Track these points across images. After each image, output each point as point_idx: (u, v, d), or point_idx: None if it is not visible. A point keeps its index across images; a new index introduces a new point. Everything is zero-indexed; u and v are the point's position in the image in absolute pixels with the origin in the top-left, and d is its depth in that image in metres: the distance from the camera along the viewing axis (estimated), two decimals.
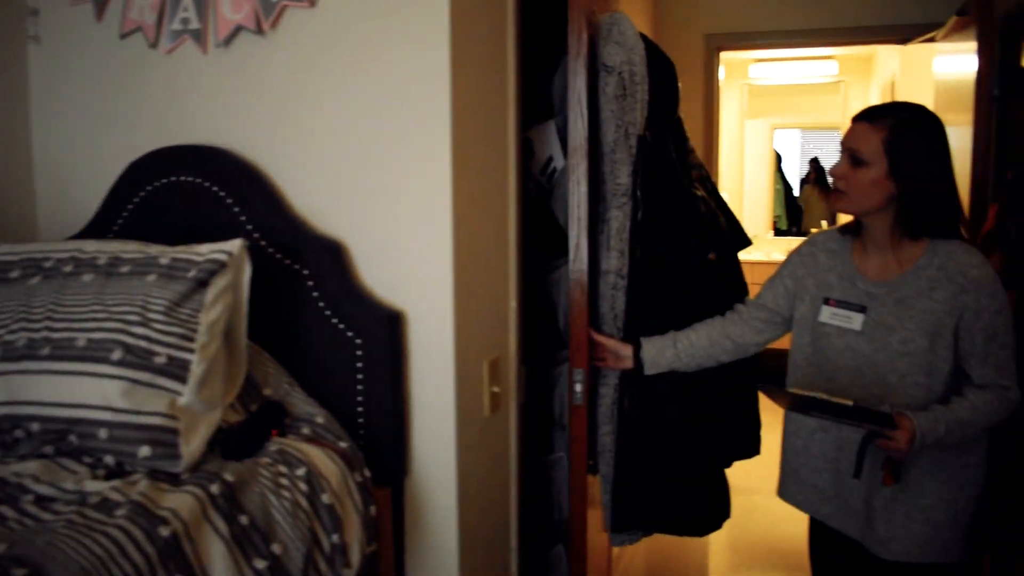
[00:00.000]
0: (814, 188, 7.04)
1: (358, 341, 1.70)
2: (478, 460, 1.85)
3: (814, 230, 6.90)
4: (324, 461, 1.53)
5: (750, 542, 3.69)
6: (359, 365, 1.71)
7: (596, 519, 2.34)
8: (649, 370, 2.12)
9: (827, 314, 1.88)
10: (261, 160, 1.81)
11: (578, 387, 2.09)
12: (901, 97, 5.00)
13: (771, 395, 1.85)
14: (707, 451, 2.27)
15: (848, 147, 1.81)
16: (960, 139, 3.14)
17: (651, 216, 2.18)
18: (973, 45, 2.95)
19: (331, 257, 1.72)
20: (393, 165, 1.71)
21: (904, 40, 3.73)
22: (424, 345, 1.72)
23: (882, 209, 1.79)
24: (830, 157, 7.05)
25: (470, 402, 1.80)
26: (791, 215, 7.21)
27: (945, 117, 3.42)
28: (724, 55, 4.67)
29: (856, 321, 1.83)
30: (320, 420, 1.64)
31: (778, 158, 7.19)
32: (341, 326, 1.71)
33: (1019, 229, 2.46)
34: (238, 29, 1.79)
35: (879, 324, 1.80)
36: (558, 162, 2.27)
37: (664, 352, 2.12)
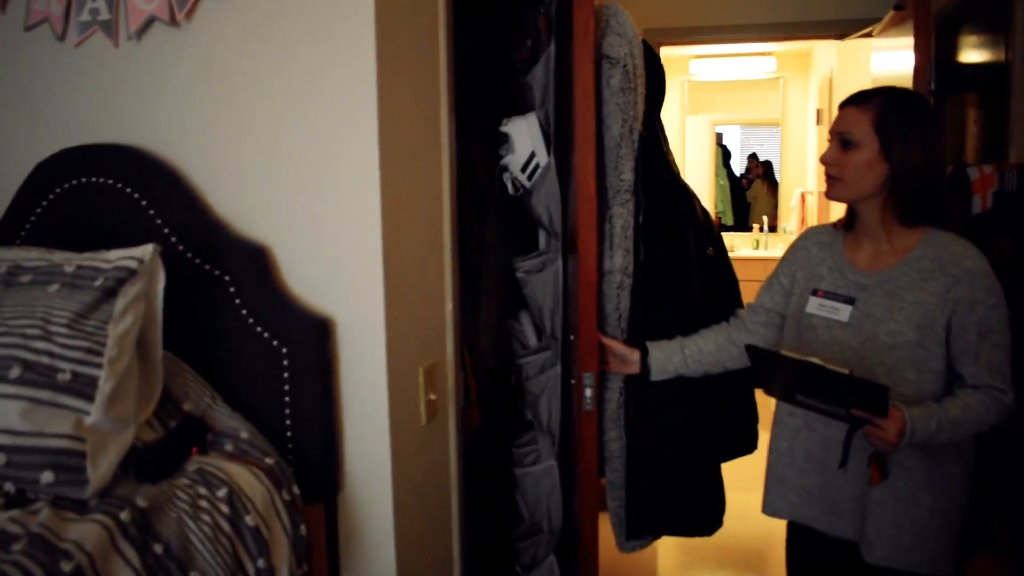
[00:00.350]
0: (763, 183, 7.08)
1: (284, 350, 1.60)
2: (415, 471, 1.77)
3: (755, 226, 6.99)
4: (248, 480, 1.44)
5: (699, 541, 3.65)
6: (286, 375, 1.61)
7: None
8: (656, 376, 2.09)
9: (814, 305, 1.84)
10: (179, 160, 1.70)
11: (588, 392, 2.04)
12: (838, 91, 5.03)
13: (764, 366, 1.79)
14: (710, 451, 2.26)
15: (837, 131, 1.78)
16: None
17: (652, 212, 2.14)
18: (910, 40, 2.95)
19: (254, 262, 1.62)
20: (319, 165, 1.62)
21: (841, 35, 3.74)
22: (355, 353, 1.64)
23: (876, 194, 1.75)
24: (770, 153, 7.10)
25: (405, 411, 1.72)
26: (737, 210, 7.25)
27: None
28: (664, 51, 4.63)
29: (843, 313, 1.79)
30: (244, 435, 1.54)
31: (726, 154, 7.22)
32: (266, 335, 1.61)
33: (961, 223, 2.46)
34: (151, 20, 1.68)
35: (867, 316, 1.75)
36: (541, 158, 2.20)
37: (672, 358, 2.07)
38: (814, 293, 1.85)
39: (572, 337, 2.12)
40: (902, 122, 1.72)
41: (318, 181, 1.61)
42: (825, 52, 5.57)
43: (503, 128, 2.20)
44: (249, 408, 1.61)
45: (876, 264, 1.79)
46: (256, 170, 1.65)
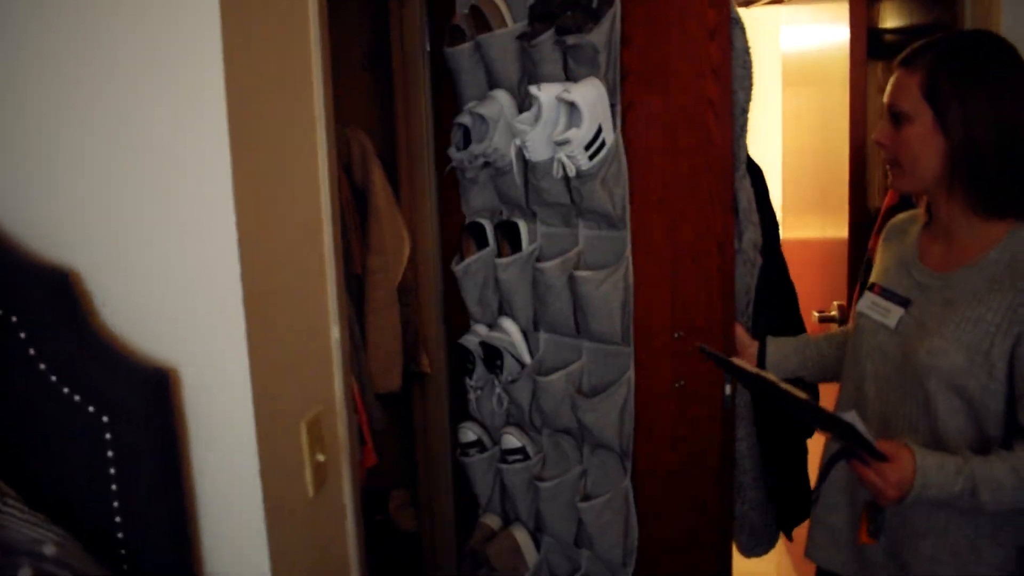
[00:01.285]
0: None
1: (105, 418, 1.13)
2: (304, 558, 1.33)
3: None
4: None
5: None
6: (110, 454, 1.13)
7: None
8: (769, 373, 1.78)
9: (867, 302, 1.52)
10: None
11: (728, 389, 1.93)
12: None
13: (717, 363, 1.56)
14: (806, 432, 2.19)
15: (888, 103, 1.43)
16: (821, 111, 2.89)
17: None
18: (830, 7, 2.69)
19: (55, 294, 1.13)
20: (145, 155, 1.14)
21: (746, 3, 3.47)
22: (209, 414, 1.18)
23: (943, 177, 1.40)
24: None
25: (285, 484, 1.27)
26: None
27: (799, 89, 3.19)
28: None
29: (892, 316, 1.45)
30: (50, 550, 1.05)
31: None
32: (76, 398, 1.13)
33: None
34: None
35: (916, 325, 1.41)
36: (607, 135, 1.87)
37: (789, 358, 1.84)
38: (871, 288, 1.53)
39: (676, 335, 1.94)
40: (959, 80, 1.35)
41: (148, 182, 1.14)
42: None
43: (566, 96, 1.84)
44: (60, 505, 1.13)
45: (946, 264, 1.44)
46: (55, 165, 1.16)
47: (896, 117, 1.43)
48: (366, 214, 2.33)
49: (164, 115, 1.12)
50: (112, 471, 1.14)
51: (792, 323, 2.09)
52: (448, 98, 2.31)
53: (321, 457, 1.37)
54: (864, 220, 2.54)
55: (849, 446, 1.33)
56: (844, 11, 2.60)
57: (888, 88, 1.46)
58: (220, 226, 1.13)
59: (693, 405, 1.95)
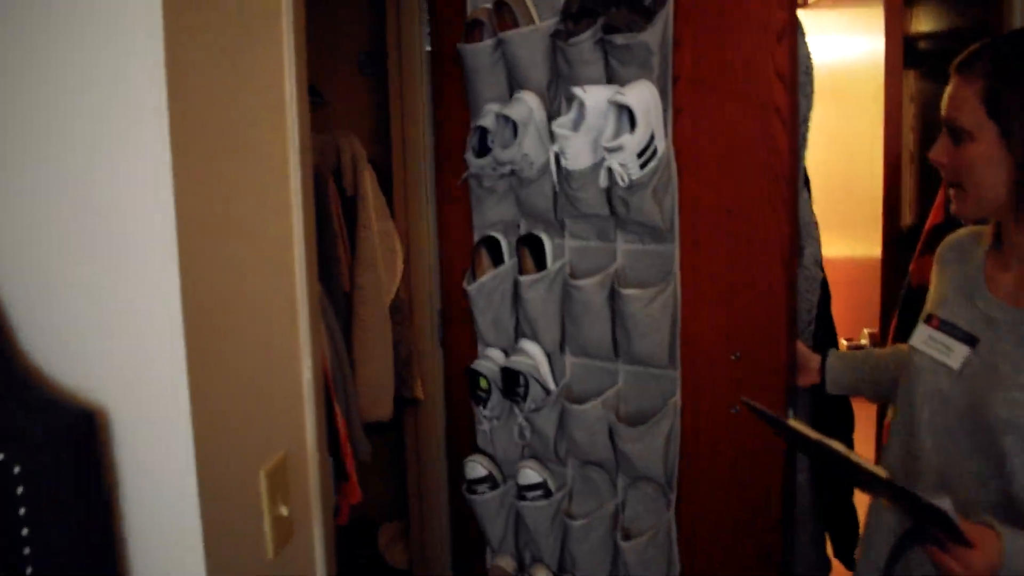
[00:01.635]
0: None
1: (16, 469, 0.94)
2: None
3: None
4: None
5: None
6: (22, 511, 0.95)
7: None
8: (830, 388, 1.75)
9: (922, 337, 1.32)
10: None
11: (791, 414, 1.80)
12: None
13: (767, 422, 1.32)
14: None
15: (945, 117, 1.25)
16: (848, 123, 2.71)
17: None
18: (859, 14, 2.52)
19: None
20: (72, 162, 0.96)
21: None
22: (143, 463, 0.99)
23: (1013, 199, 1.21)
24: None
25: (235, 543, 1.09)
26: None
27: (823, 101, 3.00)
28: None
29: (956, 356, 1.25)
30: None
31: None
32: None
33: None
34: None
35: (987, 368, 1.21)
36: (659, 143, 1.74)
37: (848, 372, 1.74)
38: (928, 320, 1.34)
39: (734, 356, 1.81)
40: (1021, 85, 1.17)
41: (68, 182, 0.96)
42: None
43: (620, 99, 1.70)
44: None
45: (1020, 296, 1.25)
46: None
47: (955, 133, 1.24)
48: (355, 226, 2.16)
49: (90, 104, 0.94)
50: (25, 532, 0.95)
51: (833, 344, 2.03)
52: (449, 102, 2.14)
53: (284, 511, 1.18)
54: (898, 239, 2.36)
55: (927, 525, 1.13)
56: (874, 17, 2.43)
57: (944, 99, 1.28)
58: (157, 242, 0.95)
59: (752, 435, 1.80)
